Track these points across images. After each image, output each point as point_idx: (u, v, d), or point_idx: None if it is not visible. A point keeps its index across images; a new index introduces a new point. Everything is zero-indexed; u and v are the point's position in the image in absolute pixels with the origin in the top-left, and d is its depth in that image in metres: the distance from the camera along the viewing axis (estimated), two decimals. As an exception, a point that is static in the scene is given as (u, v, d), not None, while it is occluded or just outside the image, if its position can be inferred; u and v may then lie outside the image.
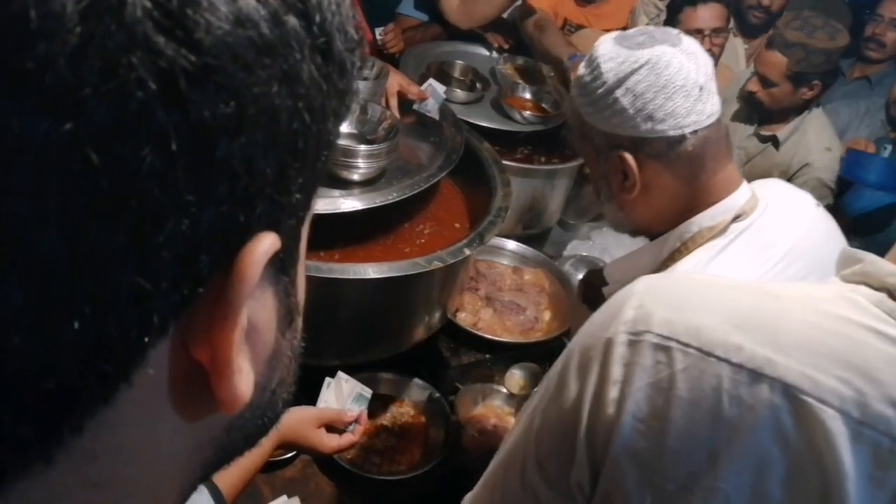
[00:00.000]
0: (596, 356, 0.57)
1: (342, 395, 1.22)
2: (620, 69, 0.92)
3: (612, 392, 0.54)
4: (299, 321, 0.32)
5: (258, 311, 0.26)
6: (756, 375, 0.50)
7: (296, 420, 1.06)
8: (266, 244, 0.24)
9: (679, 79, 0.90)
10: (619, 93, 0.92)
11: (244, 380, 0.25)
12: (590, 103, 0.96)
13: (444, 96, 1.66)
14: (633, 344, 0.55)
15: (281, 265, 0.27)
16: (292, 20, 0.22)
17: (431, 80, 1.69)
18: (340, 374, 1.24)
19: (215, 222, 0.22)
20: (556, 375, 0.62)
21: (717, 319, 0.53)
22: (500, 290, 1.76)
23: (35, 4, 0.17)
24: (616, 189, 1.00)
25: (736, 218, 0.96)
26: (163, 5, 0.19)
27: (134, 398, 0.23)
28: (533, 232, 1.93)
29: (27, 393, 0.20)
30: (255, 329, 0.26)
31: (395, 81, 1.56)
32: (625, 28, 1.73)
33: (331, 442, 1.09)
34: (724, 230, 0.96)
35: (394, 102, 1.55)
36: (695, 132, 0.92)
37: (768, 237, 0.96)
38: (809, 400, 0.49)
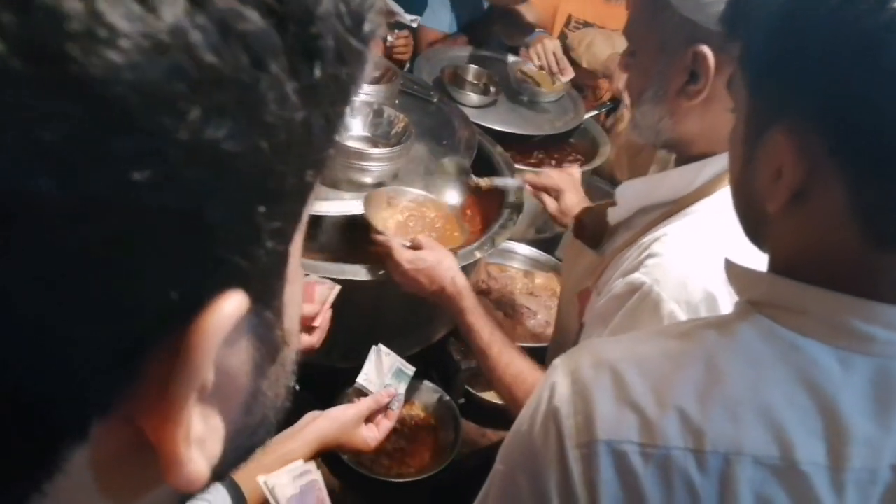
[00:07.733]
0: (550, 480, 0.52)
1: (382, 369, 1.18)
2: None
3: None
4: (289, 350, 0.27)
5: (229, 359, 0.22)
6: (725, 458, 0.48)
7: (339, 426, 1.04)
8: (223, 314, 0.19)
9: None
10: None
11: (196, 464, 0.21)
12: None
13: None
14: (587, 458, 0.50)
15: (259, 306, 0.22)
16: (254, 23, 0.16)
17: None
18: (381, 346, 1.20)
19: (150, 301, 0.17)
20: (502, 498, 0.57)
21: (664, 403, 0.50)
22: (512, 294, 1.76)
23: None
24: (673, 91, 0.87)
25: None
26: (30, 45, 0.14)
27: (69, 486, 0.20)
28: (545, 236, 1.93)
29: None
30: (225, 375, 0.21)
31: None
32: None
33: (372, 442, 1.09)
34: None
35: None
36: None
37: None
38: (782, 464, 0.47)
